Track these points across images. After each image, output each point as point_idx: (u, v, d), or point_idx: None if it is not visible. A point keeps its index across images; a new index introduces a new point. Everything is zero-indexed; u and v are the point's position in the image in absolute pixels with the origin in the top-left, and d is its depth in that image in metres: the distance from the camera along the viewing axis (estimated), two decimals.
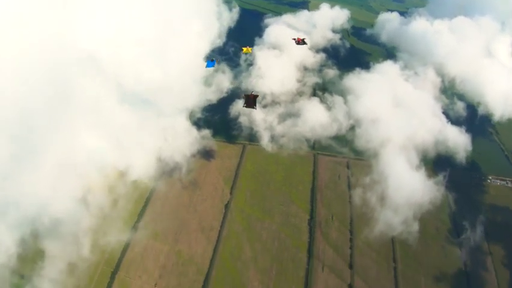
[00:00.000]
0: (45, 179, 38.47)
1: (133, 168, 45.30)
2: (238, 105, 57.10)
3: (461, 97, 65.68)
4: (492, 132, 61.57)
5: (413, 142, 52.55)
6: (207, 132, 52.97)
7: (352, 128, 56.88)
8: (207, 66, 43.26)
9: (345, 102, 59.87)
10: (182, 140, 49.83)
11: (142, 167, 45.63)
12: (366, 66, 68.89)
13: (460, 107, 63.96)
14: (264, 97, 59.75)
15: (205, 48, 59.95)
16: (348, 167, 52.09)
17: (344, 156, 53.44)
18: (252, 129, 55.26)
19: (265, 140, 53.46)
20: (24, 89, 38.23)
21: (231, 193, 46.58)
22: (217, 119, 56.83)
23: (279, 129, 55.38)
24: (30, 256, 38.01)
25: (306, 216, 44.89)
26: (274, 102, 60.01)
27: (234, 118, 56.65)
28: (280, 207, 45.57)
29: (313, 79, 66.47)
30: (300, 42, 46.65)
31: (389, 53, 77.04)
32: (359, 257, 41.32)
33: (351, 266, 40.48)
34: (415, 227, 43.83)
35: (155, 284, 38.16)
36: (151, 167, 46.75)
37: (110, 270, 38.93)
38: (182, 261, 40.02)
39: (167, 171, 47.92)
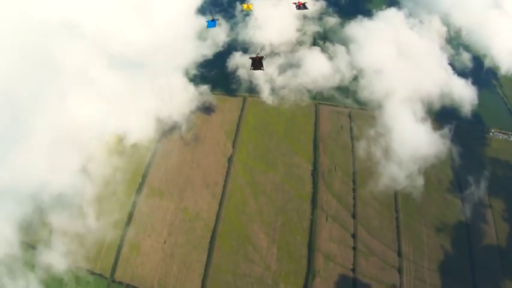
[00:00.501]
0: (41, 154, 38.00)
1: (132, 132, 44.52)
2: (236, 58, 55.12)
3: (467, 48, 62.88)
4: (496, 84, 59.98)
5: (418, 94, 51.26)
6: (205, 87, 50.99)
7: (355, 78, 55.15)
8: (208, 26, 42.63)
9: (348, 51, 57.38)
10: (179, 97, 48.28)
11: (140, 129, 44.84)
12: (368, 13, 65.23)
13: (465, 58, 61.36)
14: (262, 48, 57.25)
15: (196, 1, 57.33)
16: (350, 117, 50.96)
17: (346, 106, 52.18)
18: (251, 82, 53.39)
19: (265, 93, 51.85)
20: (5, 58, 36.13)
21: (233, 147, 45.91)
22: (214, 73, 54.71)
23: (280, 80, 53.57)
24: (39, 230, 38.88)
25: (309, 167, 44.79)
26: (274, 53, 57.37)
27: (232, 72, 54.33)
28: (283, 159, 45.24)
29: (313, 28, 62.86)
30: (301, 7, 46.35)
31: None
32: (362, 207, 42.04)
33: (354, 216, 41.33)
34: (420, 181, 43.96)
35: (165, 242, 39.08)
36: (150, 129, 45.83)
37: (119, 233, 39.66)
38: (189, 217, 40.62)
39: (168, 130, 46.99)
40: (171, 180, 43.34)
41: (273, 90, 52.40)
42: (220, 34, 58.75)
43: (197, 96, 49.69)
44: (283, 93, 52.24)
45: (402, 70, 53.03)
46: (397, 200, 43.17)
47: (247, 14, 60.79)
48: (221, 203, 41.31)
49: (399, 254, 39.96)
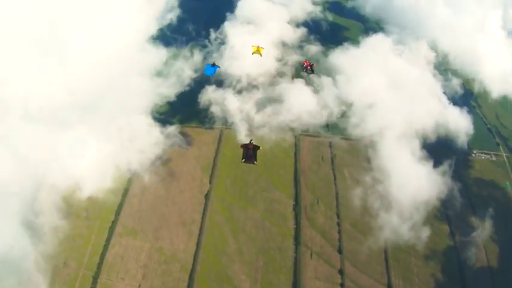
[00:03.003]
0: None
1: (88, 183, 42.15)
2: (209, 93, 53.00)
3: (455, 73, 64.83)
4: (475, 105, 61.84)
5: (413, 128, 50.22)
6: (173, 128, 48.89)
7: (344, 114, 52.68)
8: (206, 73, 36.13)
9: (335, 83, 55.08)
10: (143, 141, 45.89)
11: (97, 179, 42.59)
12: (348, 41, 65.80)
13: (455, 83, 62.42)
14: (238, 81, 55.03)
15: (150, 28, 55.87)
16: (330, 147, 50.75)
17: (326, 136, 51.95)
18: (226, 119, 50.75)
19: (242, 134, 48.24)
20: None
21: (210, 182, 45.32)
22: (186, 109, 52.57)
23: (258, 119, 50.41)
24: None
25: (291, 202, 44.32)
26: (251, 86, 55.26)
27: (205, 109, 51.91)
28: (263, 194, 44.73)
29: (294, 57, 61.48)
30: (308, 70, 38.76)
31: (371, 28, 73.73)
32: (348, 241, 41.50)
33: (340, 251, 40.68)
34: (425, 232, 42.49)
35: (139, 285, 37.27)
36: (115, 173, 43.94)
37: (91, 274, 37.83)
38: (164, 258, 39.08)
39: (138, 171, 45.25)
40: (145, 218, 41.99)
41: (251, 131, 49.18)
42: (186, 70, 56.52)
43: (165, 136, 47.72)
44: (262, 133, 49.23)
45: (395, 103, 51.71)
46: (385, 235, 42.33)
47: (222, 42, 60.32)
48: (199, 243, 40.06)
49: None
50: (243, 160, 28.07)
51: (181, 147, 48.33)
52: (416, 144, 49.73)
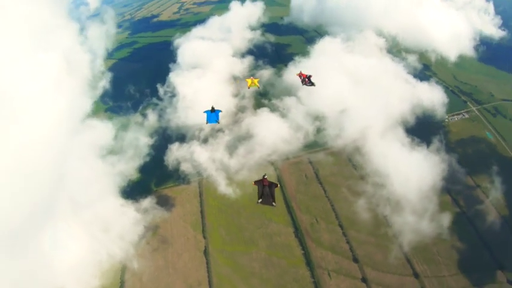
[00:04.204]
0: None
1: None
2: (174, 152, 50.83)
3: (408, 50, 68.14)
4: (431, 75, 64.40)
5: (394, 117, 50.37)
6: (147, 200, 46.43)
7: (320, 129, 51.53)
8: (208, 121, 28.50)
9: (299, 100, 53.88)
10: (121, 226, 43.34)
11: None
12: (297, 55, 66.50)
13: (412, 60, 65.02)
14: (200, 129, 52.76)
15: (82, 104, 51.87)
16: (311, 163, 50.27)
17: (300, 155, 51.01)
18: (201, 174, 48.83)
19: (222, 186, 46.27)
20: None
21: (204, 237, 43.92)
22: (157, 174, 50.19)
23: (234, 163, 48.14)
24: None
25: (291, 230, 43.43)
26: (215, 131, 53.31)
27: (175, 170, 49.64)
28: (260, 231, 43.69)
29: (250, 88, 61.03)
30: (307, 82, 35.15)
31: (312, 36, 76.39)
32: (359, 247, 40.79)
33: (356, 260, 39.70)
34: (446, 218, 42.14)
35: None
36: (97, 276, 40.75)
37: None
38: None
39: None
40: None
41: (230, 179, 47.00)
42: (146, 131, 54.34)
43: (142, 211, 45.50)
44: (242, 177, 46.87)
45: (366, 99, 51.07)
46: (389, 223, 42.41)
47: (172, 95, 58.58)
48: None
49: (416, 276, 38.57)
50: (259, 201, 23.82)
51: (165, 211, 46.62)
52: (401, 133, 50.08)
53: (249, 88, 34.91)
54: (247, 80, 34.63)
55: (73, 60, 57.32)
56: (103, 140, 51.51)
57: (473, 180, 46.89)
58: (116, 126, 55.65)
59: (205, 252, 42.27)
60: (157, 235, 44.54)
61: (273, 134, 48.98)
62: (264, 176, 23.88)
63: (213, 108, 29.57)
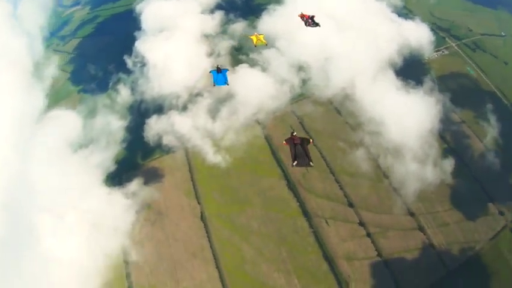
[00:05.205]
0: None
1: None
2: (153, 126, 48.44)
3: None
4: (407, 12, 63.40)
5: (382, 61, 49.36)
6: (136, 181, 44.56)
7: (306, 80, 49.93)
8: (217, 83, 26.69)
9: (279, 51, 51.25)
10: (112, 217, 41.94)
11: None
12: (270, 4, 62.62)
13: None
14: (178, 96, 50.15)
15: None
16: (295, 114, 49.67)
17: (286, 109, 49.96)
18: (186, 145, 46.82)
19: (209, 153, 44.86)
20: None
21: (199, 203, 43.75)
22: (140, 151, 47.94)
23: (218, 127, 46.29)
24: None
25: (283, 183, 43.81)
26: (194, 96, 50.75)
27: (157, 145, 47.37)
28: (253, 189, 43.80)
29: (225, 44, 57.10)
30: (311, 23, 31.34)
31: None
32: (353, 192, 41.94)
33: (351, 205, 41.04)
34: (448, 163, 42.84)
35: None
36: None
37: None
38: None
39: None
40: (157, 270, 39.85)
41: (217, 146, 45.36)
42: (119, 111, 50.49)
43: (132, 195, 43.76)
44: (230, 142, 45.55)
45: (350, 43, 49.07)
46: (380, 165, 43.81)
47: (142, 64, 54.18)
48: (218, 265, 38.93)
49: (412, 214, 40.46)
50: (294, 164, 21.41)
51: (157, 182, 45.47)
52: (392, 76, 49.41)
53: (255, 46, 32.30)
54: (251, 37, 32.12)
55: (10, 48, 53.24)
56: (70, 132, 47.86)
57: (458, 116, 48.37)
58: (85, 112, 52.05)
59: (202, 218, 42.40)
60: (152, 209, 43.86)
61: (256, 90, 47.04)
62: (292, 132, 21.60)
63: (218, 67, 26.96)
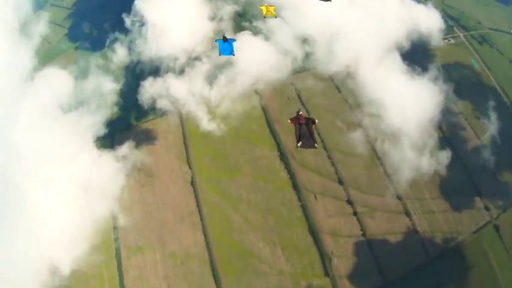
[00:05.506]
0: None
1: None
2: (148, 88, 47.18)
3: None
4: None
5: (389, 42, 47.98)
6: (127, 144, 44.06)
7: (309, 54, 48.73)
8: (223, 53, 25.42)
9: (285, 22, 48.86)
10: (102, 180, 41.58)
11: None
12: None
13: None
14: (175, 59, 48.75)
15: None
16: (295, 87, 48.77)
17: (286, 81, 49.02)
18: (180, 109, 46.12)
19: (204, 120, 44.26)
20: None
21: (190, 168, 43.73)
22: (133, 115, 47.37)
23: (214, 95, 45.50)
24: None
25: (275, 153, 43.79)
26: (192, 60, 49.32)
27: (150, 108, 46.68)
28: (245, 157, 43.76)
29: (228, 9, 54.27)
30: None
31: None
32: (344, 169, 42.22)
33: (341, 182, 41.30)
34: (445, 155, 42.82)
35: None
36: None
37: None
38: (180, 260, 38.39)
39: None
40: (145, 231, 40.42)
41: (213, 113, 44.74)
42: (113, 71, 49.42)
43: (122, 158, 43.40)
44: (226, 110, 44.88)
45: (359, 20, 47.16)
46: (374, 147, 43.91)
47: (141, 24, 51.94)
48: (205, 231, 39.49)
49: (400, 198, 40.94)
50: (299, 145, 20.64)
51: (149, 144, 45.11)
52: (398, 59, 48.27)
53: (264, 18, 30.45)
54: (261, 7, 29.93)
55: None
56: (65, 92, 46.79)
57: (457, 107, 48.12)
58: (75, 73, 50.52)
59: (193, 183, 42.52)
60: (142, 171, 43.86)
61: (257, 60, 45.72)
62: (298, 112, 20.73)
63: (224, 36, 25.16)
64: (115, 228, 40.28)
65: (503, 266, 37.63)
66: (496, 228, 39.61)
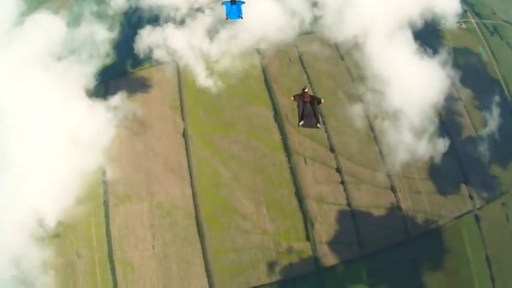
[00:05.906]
0: None
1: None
2: (145, 38, 45.39)
3: None
4: None
5: (402, 17, 46.37)
6: (119, 95, 42.99)
7: (318, 18, 47.00)
8: (230, 17, 23.02)
9: None
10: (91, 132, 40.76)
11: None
12: None
13: None
14: (176, 9, 46.62)
15: None
16: (296, 46, 47.52)
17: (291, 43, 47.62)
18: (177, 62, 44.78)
19: (201, 75, 43.18)
20: None
21: (183, 119, 43.35)
22: (129, 60, 45.77)
23: (214, 50, 44.07)
24: None
25: (270, 113, 43.51)
26: (194, 11, 47.13)
27: (146, 58, 45.19)
28: (240, 114, 43.40)
29: None
30: None
31: None
32: (337, 137, 42.37)
33: (332, 150, 41.59)
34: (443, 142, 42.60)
35: (153, 246, 37.57)
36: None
37: (105, 254, 37.43)
38: (166, 211, 38.98)
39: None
40: (133, 180, 40.69)
41: (211, 70, 43.53)
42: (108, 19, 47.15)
43: (113, 109, 42.44)
44: (224, 67, 43.64)
45: None
46: (371, 121, 43.73)
47: None
48: (193, 184, 39.90)
49: (388, 175, 41.29)
50: (301, 124, 19.97)
51: (143, 92, 44.25)
52: (410, 37, 46.55)
53: None
54: None
55: None
56: (56, 38, 44.51)
57: (458, 92, 47.76)
58: (68, 18, 48.16)
59: (184, 135, 42.32)
60: (135, 119, 43.18)
61: (263, 18, 43.71)
62: (303, 89, 19.74)
63: None
64: (103, 177, 40.39)
65: (477, 257, 38.86)
66: (477, 218, 40.50)
